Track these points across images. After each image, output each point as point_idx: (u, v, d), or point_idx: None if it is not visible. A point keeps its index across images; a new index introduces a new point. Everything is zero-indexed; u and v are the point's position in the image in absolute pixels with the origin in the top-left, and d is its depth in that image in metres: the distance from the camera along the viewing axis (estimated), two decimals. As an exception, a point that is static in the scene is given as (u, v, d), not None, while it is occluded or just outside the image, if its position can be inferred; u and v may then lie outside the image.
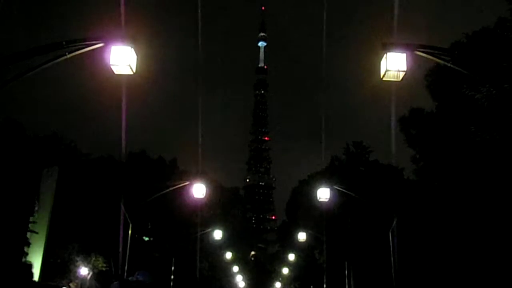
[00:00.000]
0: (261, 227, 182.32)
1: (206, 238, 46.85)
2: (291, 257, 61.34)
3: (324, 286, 44.80)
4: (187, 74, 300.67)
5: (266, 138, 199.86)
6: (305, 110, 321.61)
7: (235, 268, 76.54)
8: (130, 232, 25.34)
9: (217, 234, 44.45)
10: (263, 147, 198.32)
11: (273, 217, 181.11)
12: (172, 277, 39.05)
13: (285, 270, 74.88)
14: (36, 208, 30.61)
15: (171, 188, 27.34)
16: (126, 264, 25.02)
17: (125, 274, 25.28)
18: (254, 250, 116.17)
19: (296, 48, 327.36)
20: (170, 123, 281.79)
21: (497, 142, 20.22)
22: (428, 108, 24.72)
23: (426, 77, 23.09)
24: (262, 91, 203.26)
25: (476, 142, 21.35)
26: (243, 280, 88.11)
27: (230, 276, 76.80)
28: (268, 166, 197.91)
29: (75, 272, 33.86)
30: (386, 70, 10.04)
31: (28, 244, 29.81)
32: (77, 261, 33.73)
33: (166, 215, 39.61)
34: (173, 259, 38.63)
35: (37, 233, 30.07)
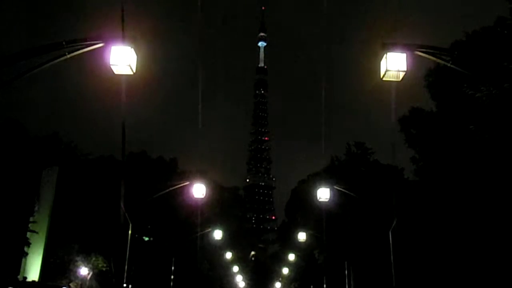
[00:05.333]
0: (261, 227, 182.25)
1: (206, 238, 46.81)
2: (291, 257, 61.30)
3: (324, 286, 44.82)
4: (187, 74, 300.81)
5: (266, 138, 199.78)
6: (305, 110, 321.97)
7: (235, 268, 76.51)
8: (130, 232, 25.32)
9: (217, 234, 44.44)
10: (263, 147, 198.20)
11: (273, 217, 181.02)
12: (172, 277, 39.03)
13: (285, 270, 74.86)
14: (36, 208, 30.61)
15: (171, 188, 27.34)
16: (126, 264, 25.02)
17: (125, 274, 25.29)
18: (254, 250, 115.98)
19: (296, 48, 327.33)
20: (170, 123, 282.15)
21: (497, 141, 20.19)
22: (428, 108, 24.72)
23: (426, 77, 23.07)
24: (262, 91, 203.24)
25: (476, 141, 21.33)
26: (243, 280, 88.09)
27: (230, 276, 76.77)
28: (268, 166, 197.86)
29: (75, 272, 33.88)
30: (386, 70, 10.04)
31: (28, 244, 29.79)
32: (77, 261, 33.74)
33: (166, 215, 39.58)
34: (173, 259, 38.61)
35: (37, 233, 30.05)
